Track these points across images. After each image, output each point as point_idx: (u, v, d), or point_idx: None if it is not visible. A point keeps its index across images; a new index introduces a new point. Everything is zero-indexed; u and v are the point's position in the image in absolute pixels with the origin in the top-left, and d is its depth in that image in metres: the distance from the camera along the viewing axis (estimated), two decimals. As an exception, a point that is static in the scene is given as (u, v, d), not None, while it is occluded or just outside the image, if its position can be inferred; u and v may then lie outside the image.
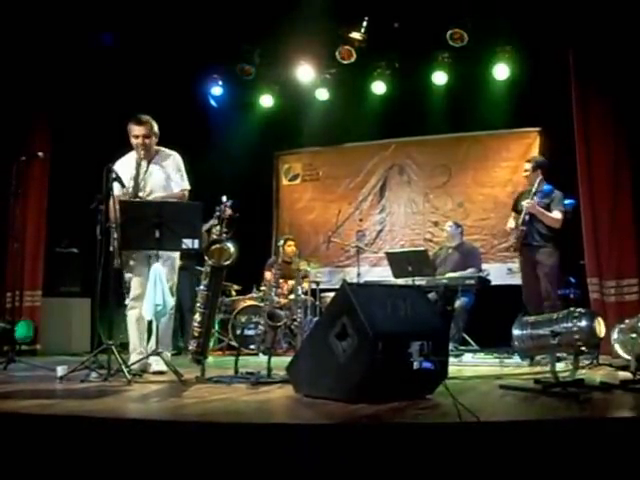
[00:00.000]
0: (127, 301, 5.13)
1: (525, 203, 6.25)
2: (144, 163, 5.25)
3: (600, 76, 6.33)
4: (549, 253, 6.29)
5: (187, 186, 5.35)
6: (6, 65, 7.03)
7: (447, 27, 7.73)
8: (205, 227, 5.38)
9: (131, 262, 5.12)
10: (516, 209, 6.60)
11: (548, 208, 6.25)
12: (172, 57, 7.87)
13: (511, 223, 6.61)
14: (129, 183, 5.08)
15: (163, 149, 5.41)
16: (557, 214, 6.21)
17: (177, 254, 5.28)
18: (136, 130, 5.22)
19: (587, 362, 4.86)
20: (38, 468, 2.69)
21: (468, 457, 2.49)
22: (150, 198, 5.12)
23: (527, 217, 6.25)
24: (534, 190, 6.27)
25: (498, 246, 8.98)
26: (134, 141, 5.22)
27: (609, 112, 6.32)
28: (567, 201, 6.64)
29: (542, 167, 6.52)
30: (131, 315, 5.14)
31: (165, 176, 5.29)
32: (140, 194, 5.12)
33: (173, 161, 5.37)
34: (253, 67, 8.74)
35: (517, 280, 6.56)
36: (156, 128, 5.32)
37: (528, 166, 6.56)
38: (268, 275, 8.15)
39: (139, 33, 7.45)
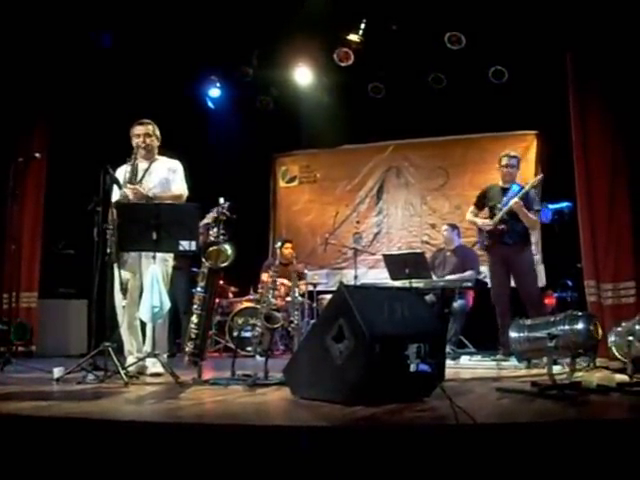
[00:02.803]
0: (123, 303, 5.13)
1: (512, 202, 6.12)
2: (145, 163, 5.28)
3: (597, 79, 6.34)
4: (527, 252, 6.34)
5: (186, 192, 5.37)
6: (5, 66, 7.02)
7: (445, 30, 7.74)
8: (202, 223, 5.38)
9: (126, 264, 5.11)
10: (482, 205, 6.55)
11: (527, 209, 6.17)
12: (170, 59, 7.87)
13: (477, 219, 6.52)
14: (125, 177, 5.11)
15: (166, 158, 5.47)
16: (534, 216, 6.23)
17: (171, 256, 5.29)
18: (137, 130, 5.34)
19: (584, 365, 4.86)
20: (34, 470, 2.69)
21: (465, 459, 2.49)
22: (149, 195, 5.14)
23: (506, 216, 6.18)
24: (526, 189, 6.18)
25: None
26: (135, 141, 5.29)
27: (606, 115, 6.32)
28: (564, 204, 6.65)
29: (520, 163, 6.54)
30: (126, 317, 5.13)
31: (165, 177, 5.33)
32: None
33: (174, 166, 5.43)
34: (251, 69, 8.75)
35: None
36: (157, 132, 5.41)
37: (513, 161, 6.40)
38: (264, 277, 8.14)
39: (137, 35, 7.45)
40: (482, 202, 6.58)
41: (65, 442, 2.72)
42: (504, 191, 6.36)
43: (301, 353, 3.93)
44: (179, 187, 5.35)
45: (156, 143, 5.42)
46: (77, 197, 5.48)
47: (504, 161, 6.43)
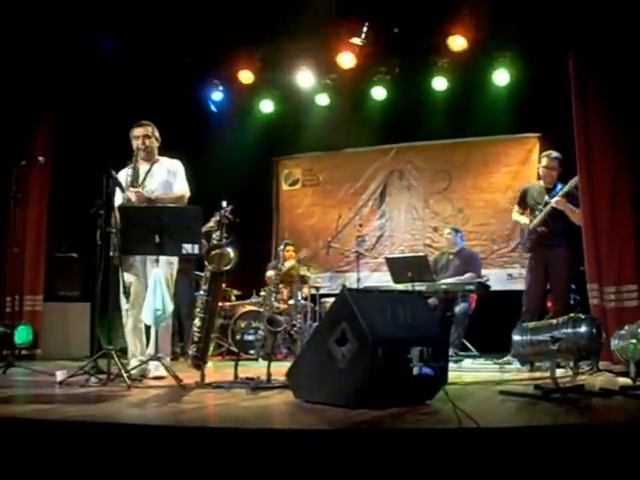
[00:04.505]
0: (126, 306, 5.14)
1: (554, 201, 6.11)
2: (145, 165, 5.28)
3: (600, 82, 6.32)
4: (567, 256, 6.23)
5: (187, 191, 5.38)
6: (8, 70, 7.03)
7: (447, 33, 7.75)
8: (203, 230, 5.40)
9: (130, 267, 5.13)
10: (524, 204, 6.50)
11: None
12: (172, 62, 7.89)
13: (521, 218, 6.47)
14: (127, 180, 5.12)
15: (166, 158, 5.47)
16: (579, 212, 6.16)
17: (176, 259, 5.29)
18: (137, 132, 5.35)
19: (587, 368, 4.85)
20: (37, 473, 2.69)
21: (468, 463, 2.49)
22: (152, 197, 5.15)
23: (546, 217, 6.18)
24: (566, 189, 6.13)
25: (498, 252, 8.99)
26: (135, 143, 5.29)
27: (609, 118, 6.30)
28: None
29: (563, 165, 6.41)
30: (130, 320, 5.15)
31: (166, 178, 5.34)
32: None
33: (175, 167, 5.44)
34: (253, 72, 8.77)
35: (517, 285, 6.56)
36: (157, 133, 5.41)
37: (554, 163, 6.31)
38: (270, 273, 8.13)
39: (140, 38, 7.47)
40: (524, 201, 6.51)
41: (68, 445, 2.73)
42: (548, 191, 6.31)
43: (304, 356, 3.93)
44: (181, 187, 5.36)
45: (156, 144, 5.42)
46: (80, 200, 5.48)
47: (544, 162, 6.39)
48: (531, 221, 6.35)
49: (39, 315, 7.53)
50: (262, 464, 2.52)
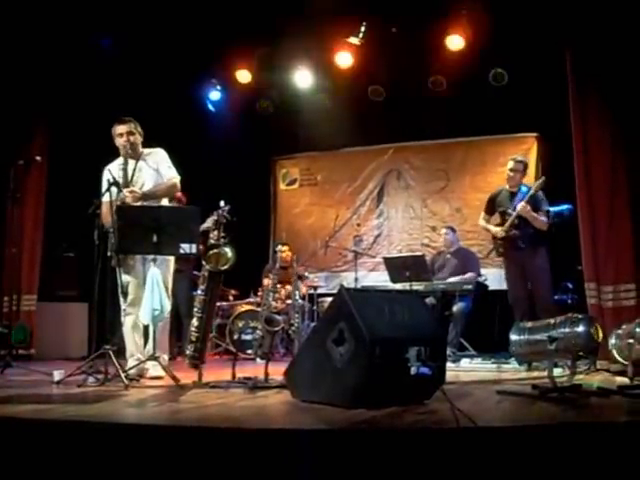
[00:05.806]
0: (124, 306, 5.13)
1: (519, 207, 6.23)
2: (132, 162, 5.24)
3: (598, 81, 6.32)
4: (540, 256, 6.33)
5: (177, 176, 5.33)
6: (5, 69, 7.03)
7: (445, 32, 7.75)
8: (201, 228, 5.37)
9: (128, 267, 5.11)
10: (492, 210, 6.61)
11: (535, 211, 6.28)
12: (170, 62, 7.88)
13: (490, 226, 6.62)
14: (119, 178, 5.09)
15: (147, 149, 5.42)
16: (544, 217, 6.29)
17: (173, 258, 5.28)
18: (120, 129, 5.25)
19: (584, 367, 4.86)
20: (34, 473, 2.69)
21: (465, 462, 2.49)
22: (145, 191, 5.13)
23: (516, 220, 6.27)
24: (532, 192, 6.26)
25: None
26: (119, 141, 5.23)
27: (607, 117, 6.31)
28: (564, 206, 6.65)
29: (527, 168, 6.65)
30: (128, 320, 5.14)
31: (154, 171, 5.28)
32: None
33: (158, 155, 5.37)
34: (251, 72, 8.77)
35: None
36: (139, 127, 5.34)
37: (519, 166, 6.49)
38: (266, 282, 8.14)
39: (137, 38, 7.46)
40: (492, 207, 6.63)
41: (65, 445, 2.72)
42: (512, 195, 6.41)
43: (302, 356, 3.92)
44: (170, 175, 5.30)
45: (139, 139, 5.33)
46: (77, 200, 5.47)
47: (509, 165, 6.55)
48: (500, 226, 6.40)
49: (35, 315, 7.53)
50: (260, 464, 2.52)
